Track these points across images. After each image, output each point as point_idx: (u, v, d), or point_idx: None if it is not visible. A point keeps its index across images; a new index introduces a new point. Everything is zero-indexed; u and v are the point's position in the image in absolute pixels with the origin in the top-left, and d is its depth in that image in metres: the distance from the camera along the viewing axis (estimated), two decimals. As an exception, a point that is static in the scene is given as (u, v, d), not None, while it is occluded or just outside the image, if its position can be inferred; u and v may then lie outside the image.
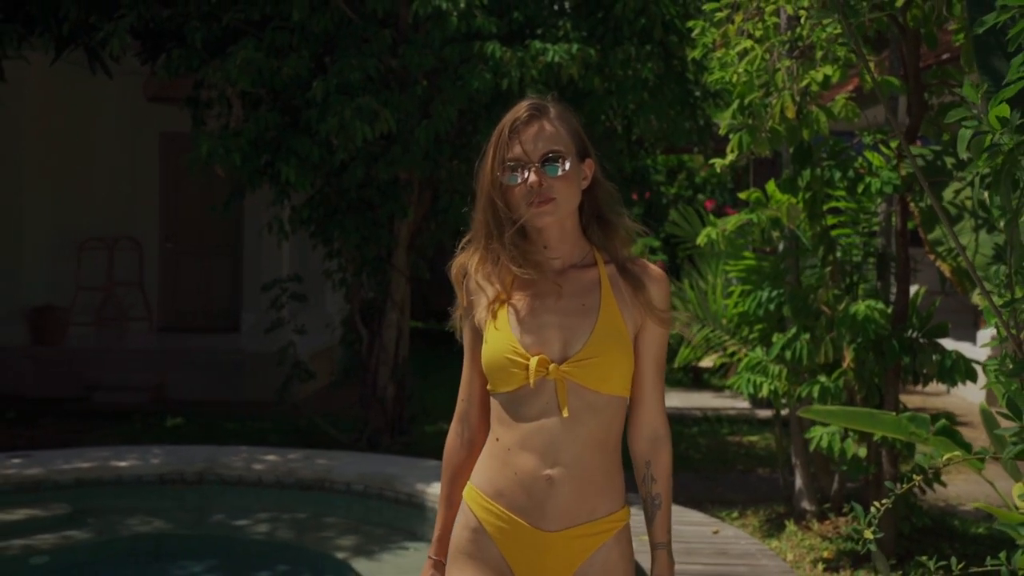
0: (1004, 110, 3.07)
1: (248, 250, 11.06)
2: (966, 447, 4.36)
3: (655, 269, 2.25)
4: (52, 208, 10.78)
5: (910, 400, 9.37)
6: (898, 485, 4.05)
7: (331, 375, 9.39)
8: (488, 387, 2.19)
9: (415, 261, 7.90)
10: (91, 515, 5.47)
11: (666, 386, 9.07)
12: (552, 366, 2.10)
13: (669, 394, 11.11)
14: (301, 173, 6.84)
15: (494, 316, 2.17)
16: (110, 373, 10.06)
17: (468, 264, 2.21)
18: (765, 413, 9.37)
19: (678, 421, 9.64)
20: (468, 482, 2.22)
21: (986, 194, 3.15)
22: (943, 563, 3.43)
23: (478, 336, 2.21)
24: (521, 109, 2.17)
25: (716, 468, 7.91)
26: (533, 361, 2.09)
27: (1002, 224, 3.27)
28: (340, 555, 4.95)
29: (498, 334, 2.15)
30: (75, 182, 11.01)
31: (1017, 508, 3.33)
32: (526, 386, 2.10)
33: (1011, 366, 3.06)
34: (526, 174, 2.11)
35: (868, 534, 3.30)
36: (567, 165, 2.12)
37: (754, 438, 8.94)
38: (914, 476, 4.04)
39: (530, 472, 2.11)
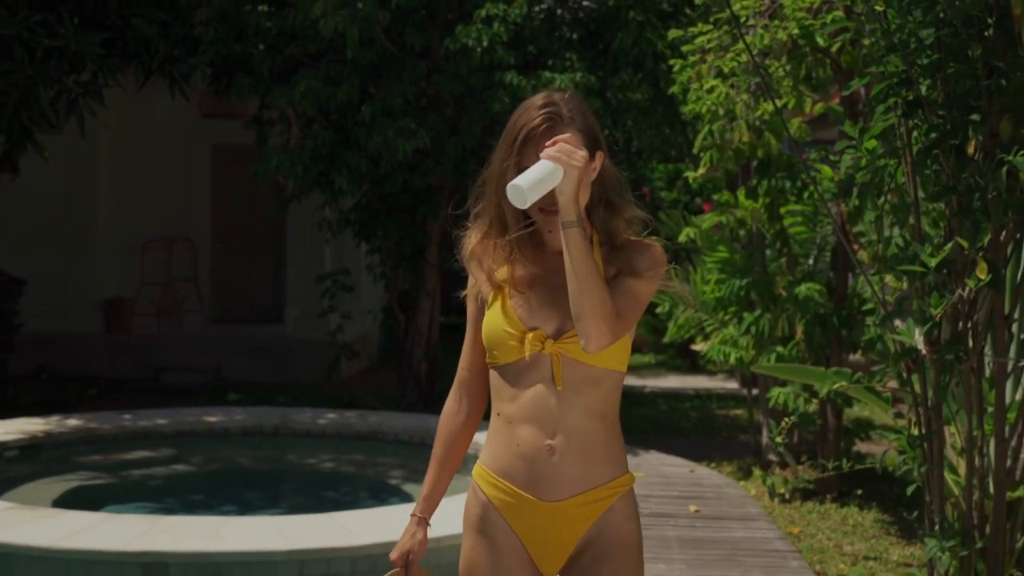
0: (872, 143, 4.43)
1: (291, 250, 12.36)
2: (876, 393, 5.63)
3: (649, 244, 2.27)
4: (121, 212, 12.17)
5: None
6: (812, 408, 5.39)
7: (369, 358, 10.71)
8: (488, 360, 2.27)
9: (445, 256, 9.21)
10: (191, 456, 6.84)
11: (665, 371, 10.74)
12: (548, 341, 2.18)
13: (668, 377, 12.43)
14: (351, 182, 8.18)
15: (497, 293, 2.27)
16: (172, 357, 11.43)
17: (477, 245, 2.31)
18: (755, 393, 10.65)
19: (674, 398, 10.94)
20: (477, 461, 2.31)
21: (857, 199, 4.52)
22: (837, 462, 4.76)
23: (481, 311, 2.31)
24: (535, 116, 2.18)
25: (704, 435, 9.19)
26: (529, 335, 2.19)
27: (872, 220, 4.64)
28: (392, 482, 6.28)
29: (498, 310, 2.25)
30: (139, 188, 12.37)
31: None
32: (524, 359, 2.19)
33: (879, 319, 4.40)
34: None
35: (779, 440, 4.62)
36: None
37: (739, 411, 10.22)
38: (813, 399, 5.38)
39: (531, 443, 2.19)
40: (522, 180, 2.08)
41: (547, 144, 2.11)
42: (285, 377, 11.38)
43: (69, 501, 5.63)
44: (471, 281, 2.34)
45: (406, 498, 5.81)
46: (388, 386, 10.13)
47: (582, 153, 2.09)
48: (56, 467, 6.36)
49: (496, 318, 2.24)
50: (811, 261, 7.68)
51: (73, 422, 6.88)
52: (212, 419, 7.11)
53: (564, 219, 2.10)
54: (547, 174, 2.09)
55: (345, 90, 8.02)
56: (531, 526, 2.21)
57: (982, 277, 3.53)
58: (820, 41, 5.76)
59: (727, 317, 7.54)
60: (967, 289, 3.84)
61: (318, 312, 9.65)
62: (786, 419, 4.49)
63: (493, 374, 2.26)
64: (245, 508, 5.81)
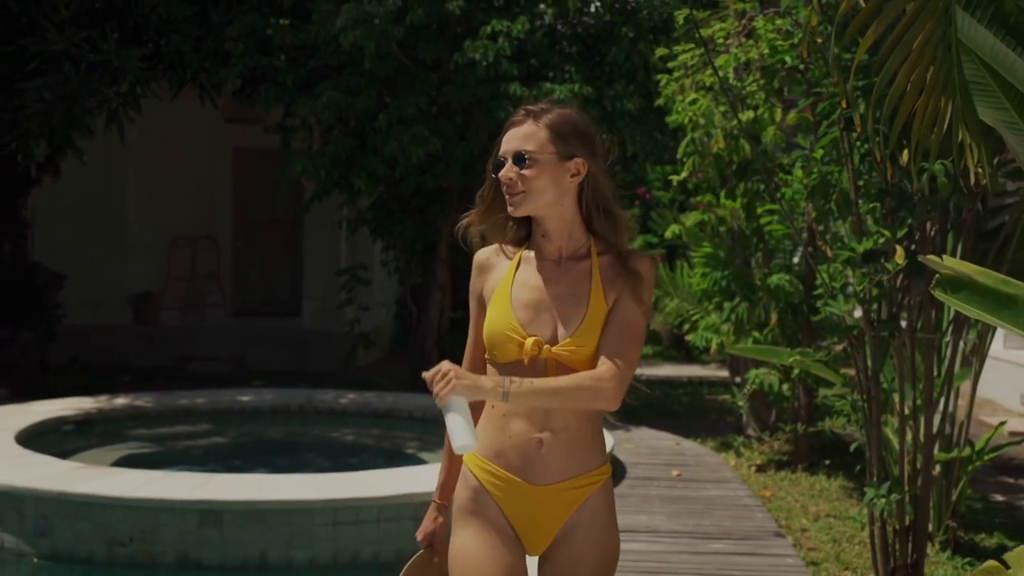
0: (820, 152, 5.17)
1: (308, 247, 13.10)
2: (836, 371, 6.35)
3: (647, 262, 2.40)
4: (149, 211, 12.96)
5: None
6: (786, 389, 6.08)
7: (382, 348, 11.47)
8: (488, 357, 2.39)
9: (455, 252, 9.97)
10: (226, 430, 7.61)
11: (661, 360, 11.70)
12: (545, 347, 2.30)
13: (663, 366, 13.15)
14: (369, 183, 8.95)
15: (499, 293, 2.38)
16: (197, 348, 12.21)
17: (484, 245, 2.46)
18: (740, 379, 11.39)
19: (668, 385, 11.67)
20: None
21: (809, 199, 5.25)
22: (793, 426, 5.49)
23: (483, 308, 2.43)
24: (516, 113, 2.39)
25: (693, 417, 9.92)
26: (529, 341, 2.30)
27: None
28: (408, 451, 7.04)
29: (499, 311, 2.36)
30: (166, 189, 13.15)
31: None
32: (521, 361, 2.31)
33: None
34: (503, 169, 2.33)
35: (741, 403, 5.36)
36: (532, 161, 2.30)
37: (728, 397, 10.93)
38: (770, 371, 6.10)
39: (523, 435, 2.33)
40: (453, 440, 2.15)
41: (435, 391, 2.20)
42: (303, 366, 12.13)
43: (123, 465, 6.39)
44: (473, 281, 2.48)
45: (420, 463, 6.57)
46: (401, 374, 10.86)
47: (444, 369, 2.18)
48: (108, 439, 7.14)
49: (498, 320, 2.35)
50: (796, 258, 8.43)
51: (120, 401, 7.66)
52: (244, 399, 7.88)
53: (500, 400, 2.23)
54: (455, 414, 2.16)
55: (363, 100, 8.78)
56: (520, 508, 2.36)
57: (900, 262, 4.26)
58: (788, 60, 6.50)
59: (711, 307, 8.29)
60: (897, 275, 4.58)
61: (336, 304, 10.42)
62: (749, 385, 5.21)
63: (491, 370, 2.38)
64: (278, 472, 6.55)
